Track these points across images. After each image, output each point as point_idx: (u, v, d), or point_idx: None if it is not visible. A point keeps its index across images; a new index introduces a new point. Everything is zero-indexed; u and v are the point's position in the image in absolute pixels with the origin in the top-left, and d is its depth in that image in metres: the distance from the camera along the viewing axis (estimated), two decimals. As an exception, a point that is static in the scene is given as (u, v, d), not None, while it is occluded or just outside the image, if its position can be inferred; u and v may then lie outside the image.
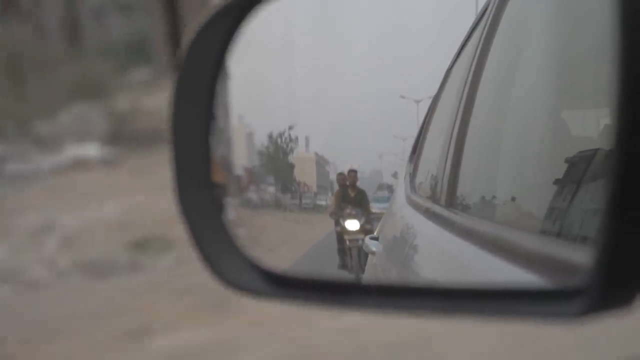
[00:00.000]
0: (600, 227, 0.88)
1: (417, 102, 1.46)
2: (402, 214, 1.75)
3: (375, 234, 1.71)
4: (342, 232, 1.60)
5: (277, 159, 1.51)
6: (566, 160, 1.15)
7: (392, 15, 1.41)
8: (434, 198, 1.65)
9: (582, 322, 0.93)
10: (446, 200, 1.58)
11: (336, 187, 1.57)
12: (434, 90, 1.53)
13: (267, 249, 1.53)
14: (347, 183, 1.57)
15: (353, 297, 1.11)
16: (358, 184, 1.56)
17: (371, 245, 1.69)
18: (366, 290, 1.16)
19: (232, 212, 1.46)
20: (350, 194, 1.58)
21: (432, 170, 1.68)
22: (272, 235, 1.62)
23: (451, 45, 1.48)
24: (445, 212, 1.55)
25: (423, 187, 1.73)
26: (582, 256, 0.94)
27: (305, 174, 1.56)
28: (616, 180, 0.85)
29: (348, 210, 1.59)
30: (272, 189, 1.57)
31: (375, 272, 1.66)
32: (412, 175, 1.77)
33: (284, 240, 1.63)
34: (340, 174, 1.58)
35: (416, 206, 1.72)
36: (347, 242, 1.59)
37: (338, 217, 1.59)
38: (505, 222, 1.31)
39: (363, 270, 1.60)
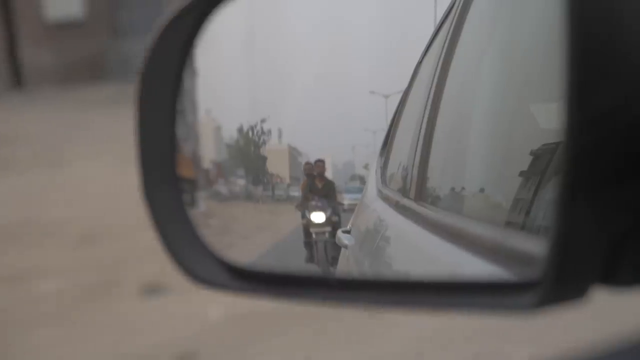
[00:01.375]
0: (552, 219, 0.89)
1: (386, 97, 1.47)
2: (374, 207, 1.76)
3: (347, 227, 1.72)
4: (307, 225, 1.56)
5: (248, 152, 1.50)
6: (531, 153, 1.17)
7: (360, 11, 1.42)
8: (403, 191, 1.66)
9: (537, 313, 0.94)
10: (416, 193, 1.59)
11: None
12: (402, 86, 1.53)
13: (242, 237, 1.57)
14: (315, 173, 1.53)
15: (319, 291, 1.12)
16: (327, 174, 1.53)
17: (343, 238, 1.70)
18: (332, 284, 1.18)
19: (203, 204, 1.49)
20: (318, 185, 1.54)
21: (402, 163, 1.70)
22: (246, 225, 1.61)
23: (422, 42, 1.49)
24: (415, 205, 1.57)
25: (394, 180, 1.75)
26: (539, 248, 0.96)
27: (278, 166, 1.55)
28: (566, 171, 0.86)
29: (314, 202, 1.55)
30: (242, 182, 1.57)
31: (347, 265, 1.67)
32: (383, 169, 1.78)
33: (259, 229, 1.61)
34: (307, 164, 1.53)
35: (387, 199, 1.73)
36: (314, 235, 1.55)
37: (304, 209, 1.55)
38: (474, 214, 1.32)
39: (330, 264, 1.57)
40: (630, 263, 0.90)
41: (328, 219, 1.57)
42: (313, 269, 1.56)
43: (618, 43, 0.85)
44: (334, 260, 1.58)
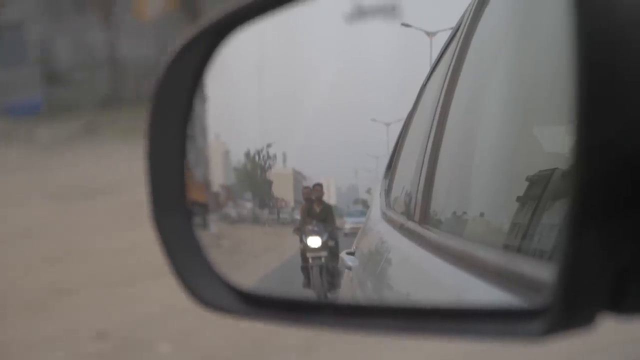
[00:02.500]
0: (559, 246, 0.90)
1: (387, 124, 1.48)
2: (378, 229, 1.76)
3: (352, 249, 1.72)
4: (304, 249, 1.55)
5: (255, 176, 1.52)
6: (527, 179, 1.18)
7: (362, 43, 1.44)
8: (408, 214, 1.67)
9: (545, 341, 0.95)
10: (420, 216, 1.60)
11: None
12: (403, 115, 1.54)
13: (252, 256, 1.59)
14: (313, 197, 1.53)
15: (325, 317, 1.12)
16: (330, 197, 1.53)
17: (347, 260, 1.70)
18: (338, 310, 1.18)
19: (214, 226, 1.51)
20: (316, 209, 1.54)
21: (407, 186, 1.70)
22: (255, 246, 1.63)
23: (421, 74, 1.51)
24: (419, 228, 1.57)
25: (398, 203, 1.75)
26: (544, 274, 0.96)
27: (283, 190, 1.55)
28: (575, 199, 0.87)
29: (310, 227, 1.54)
30: (249, 205, 1.58)
31: (351, 287, 1.68)
32: (387, 191, 1.79)
33: (266, 250, 1.62)
34: (306, 188, 1.53)
35: (391, 222, 1.74)
36: (310, 260, 1.54)
37: (301, 234, 1.55)
38: (475, 238, 1.33)
39: (327, 289, 1.56)
40: (637, 290, 0.90)
41: (324, 244, 1.56)
42: (313, 295, 1.56)
43: (628, 70, 0.86)
44: (331, 285, 1.57)
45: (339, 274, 1.59)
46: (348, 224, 1.61)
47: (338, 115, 1.48)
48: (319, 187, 1.53)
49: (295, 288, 1.54)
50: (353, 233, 1.64)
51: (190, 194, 1.37)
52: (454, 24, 1.55)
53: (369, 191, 1.62)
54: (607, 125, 0.86)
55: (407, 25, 1.39)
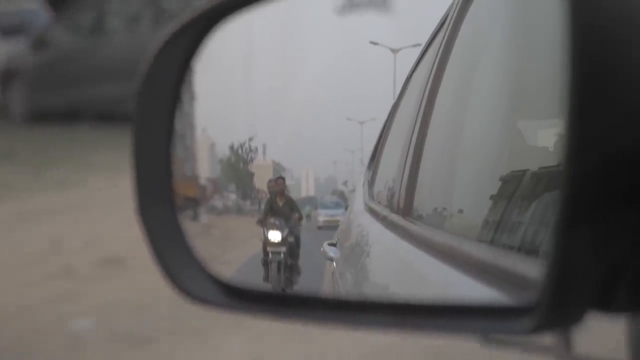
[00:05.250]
0: (548, 244, 0.90)
1: (361, 123, 1.48)
2: (360, 221, 1.76)
3: (334, 240, 1.72)
4: (265, 243, 1.55)
5: (238, 168, 1.52)
6: (500, 179, 1.18)
7: (342, 42, 1.45)
8: (391, 206, 1.66)
9: (532, 336, 0.95)
10: (403, 209, 1.60)
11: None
12: (376, 114, 1.55)
13: (241, 242, 1.62)
14: (276, 190, 1.52)
15: (310, 311, 1.12)
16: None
17: (329, 251, 1.70)
18: (322, 304, 1.18)
19: (204, 217, 1.53)
20: (279, 203, 1.53)
21: (390, 178, 1.70)
22: (241, 234, 1.64)
23: (398, 74, 1.51)
24: (402, 221, 1.57)
25: (381, 195, 1.75)
26: (531, 271, 0.96)
27: (263, 181, 1.56)
28: (565, 196, 0.87)
29: (272, 220, 1.53)
30: (233, 196, 1.58)
31: (332, 278, 1.68)
32: (371, 183, 1.78)
33: (251, 237, 1.62)
34: (270, 181, 1.53)
35: (373, 213, 1.74)
36: (270, 254, 1.54)
37: (263, 226, 1.54)
38: (455, 232, 1.33)
39: (284, 285, 1.54)
40: (626, 289, 0.91)
41: (284, 239, 1.55)
42: (305, 289, 1.56)
43: (621, 66, 0.86)
44: (288, 281, 1.55)
45: (298, 270, 1.56)
46: (322, 216, 1.60)
47: (319, 109, 1.49)
48: (281, 180, 1.52)
49: (257, 280, 1.54)
50: (327, 226, 1.62)
51: (181, 189, 1.37)
52: (442, 15, 1.56)
53: (345, 183, 1.61)
54: (597, 122, 0.86)
55: (374, 43, 1.41)
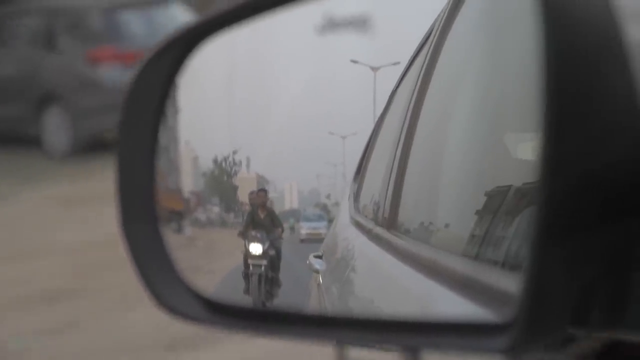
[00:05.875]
0: (524, 261, 0.90)
1: (343, 138, 1.49)
2: (345, 234, 1.77)
3: (319, 252, 1.72)
4: (246, 255, 1.55)
5: (222, 181, 1.52)
6: (485, 194, 1.18)
7: (323, 59, 1.47)
8: (376, 219, 1.67)
9: (510, 355, 0.96)
10: (388, 222, 1.60)
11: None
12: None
13: (225, 253, 1.63)
14: (257, 203, 1.52)
15: (291, 327, 1.13)
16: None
17: (315, 263, 1.70)
18: (304, 320, 1.19)
19: (189, 230, 1.54)
20: (260, 215, 1.53)
21: (376, 191, 1.71)
22: (226, 246, 1.64)
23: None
24: (387, 234, 1.58)
25: (366, 208, 1.76)
26: (512, 287, 0.97)
27: (247, 194, 1.56)
28: (539, 215, 0.87)
29: (253, 233, 1.53)
30: (216, 209, 1.59)
31: (318, 291, 1.68)
32: (356, 196, 1.79)
33: (236, 249, 1.62)
34: (251, 193, 1.52)
35: (359, 226, 1.74)
36: (251, 267, 1.54)
37: (244, 238, 1.54)
38: (442, 246, 1.33)
39: (265, 299, 1.54)
40: (601, 306, 0.91)
41: (265, 252, 1.55)
42: (285, 305, 1.56)
43: (596, 85, 0.87)
44: (268, 294, 1.55)
45: (278, 283, 1.56)
46: (304, 229, 1.59)
47: (302, 123, 1.50)
48: (262, 192, 1.52)
49: (238, 292, 1.55)
50: (309, 239, 1.62)
51: (166, 202, 1.38)
52: (421, 34, 1.57)
53: (328, 196, 1.62)
54: (571, 142, 0.86)
55: (354, 62, 1.42)
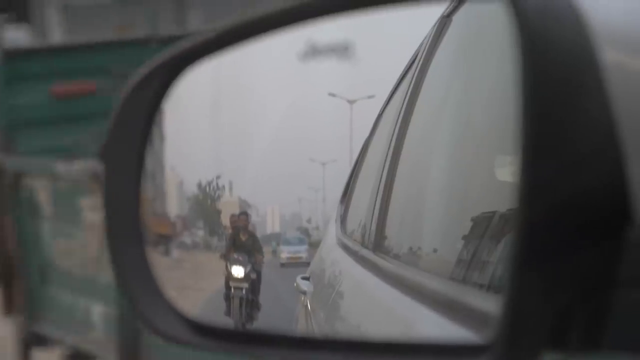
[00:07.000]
0: (504, 284, 0.92)
1: (323, 164, 1.51)
2: (332, 256, 1.78)
3: (307, 274, 1.73)
4: (228, 278, 1.56)
5: (206, 205, 1.54)
6: (471, 219, 1.20)
7: (304, 87, 1.49)
8: (363, 242, 1.68)
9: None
10: (374, 245, 1.61)
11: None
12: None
13: (211, 273, 1.65)
14: (239, 225, 1.53)
15: (274, 349, 1.14)
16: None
17: (302, 284, 1.71)
18: (287, 343, 1.20)
19: (175, 253, 1.55)
20: (242, 238, 1.54)
21: (362, 214, 1.72)
22: (211, 268, 1.65)
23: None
24: (372, 256, 1.59)
25: (353, 230, 1.77)
26: (494, 308, 0.98)
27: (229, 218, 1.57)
28: (517, 240, 0.89)
29: (235, 256, 1.54)
30: (201, 233, 1.60)
31: (305, 313, 1.69)
32: (343, 218, 1.80)
33: (221, 271, 1.63)
34: (233, 216, 1.53)
35: (346, 248, 1.75)
36: (232, 289, 1.55)
37: (226, 261, 1.55)
38: (430, 270, 1.35)
39: (245, 321, 1.56)
40: (578, 329, 0.92)
41: (247, 275, 1.55)
42: (271, 328, 1.57)
43: (572, 111, 0.88)
44: (249, 317, 1.56)
45: (258, 306, 1.58)
46: (285, 253, 1.60)
47: (284, 148, 1.52)
48: (244, 216, 1.52)
49: (219, 314, 1.57)
50: (290, 263, 1.63)
51: (154, 226, 1.39)
52: (405, 61, 1.59)
53: (309, 220, 1.63)
54: (549, 166, 0.88)
55: (332, 95, 1.45)
